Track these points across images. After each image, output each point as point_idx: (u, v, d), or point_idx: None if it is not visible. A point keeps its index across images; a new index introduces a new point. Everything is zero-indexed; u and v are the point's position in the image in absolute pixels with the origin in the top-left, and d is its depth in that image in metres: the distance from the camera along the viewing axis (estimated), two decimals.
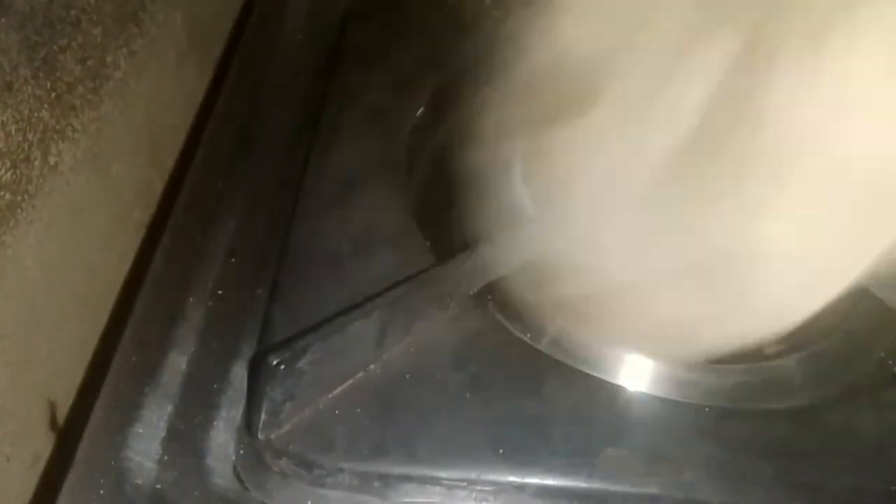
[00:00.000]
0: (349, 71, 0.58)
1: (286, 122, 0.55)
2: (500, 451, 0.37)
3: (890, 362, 0.43)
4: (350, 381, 0.39)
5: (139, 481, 0.37)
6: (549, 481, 0.37)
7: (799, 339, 0.42)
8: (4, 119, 0.42)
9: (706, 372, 0.42)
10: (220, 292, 0.44)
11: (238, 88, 0.54)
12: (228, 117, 0.52)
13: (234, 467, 0.38)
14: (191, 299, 0.43)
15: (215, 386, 0.40)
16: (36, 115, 0.44)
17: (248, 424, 0.38)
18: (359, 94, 0.55)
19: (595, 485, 0.36)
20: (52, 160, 0.46)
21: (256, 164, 0.49)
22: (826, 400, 0.41)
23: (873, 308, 0.45)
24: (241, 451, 0.38)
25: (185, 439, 0.39)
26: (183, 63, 0.62)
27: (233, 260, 0.45)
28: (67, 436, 0.48)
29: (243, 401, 0.39)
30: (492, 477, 0.37)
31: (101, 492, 0.36)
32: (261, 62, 0.54)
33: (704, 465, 0.37)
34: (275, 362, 0.38)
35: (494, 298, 0.44)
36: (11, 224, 0.43)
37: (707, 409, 0.40)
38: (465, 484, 0.37)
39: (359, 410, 0.39)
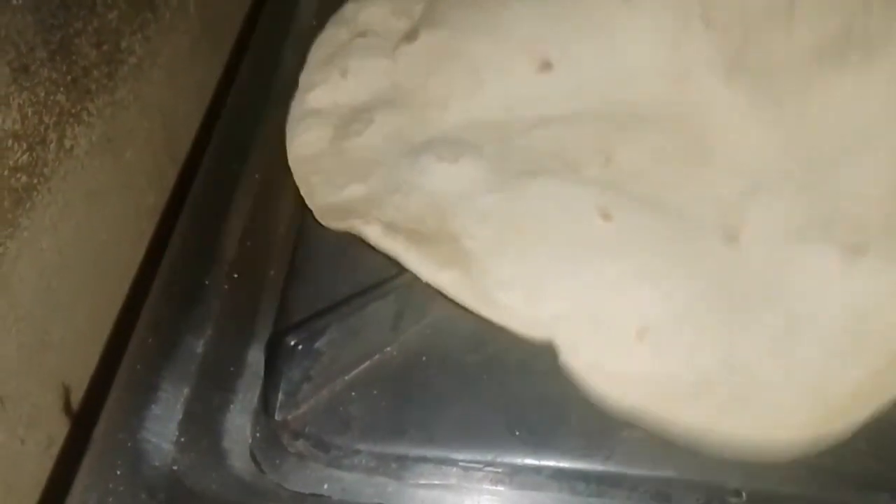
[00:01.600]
0: None
1: None
2: (517, 433, 0.37)
3: None
4: (367, 363, 0.39)
5: (156, 463, 0.37)
6: (566, 464, 0.36)
7: None
8: (21, 101, 0.42)
9: None
10: (235, 275, 0.44)
11: (252, 73, 0.54)
12: (242, 102, 0.52)
13: (251, 449, 0.38)
14: (206, 282, 0.43)
15: (231, 369, 0.40)
16: (52, 98, 0.44)
17: (265, 405, 0.38)
18: None
19: (611, 467, 0.36)
20: (67, 143, 0.46)
21: (271, 147, 0.49)
22: None
23: None
24: (258, 434, 0.38)
25: (202, 421, 0.38)
26: (196, 48, 0.63)
27: (248, 243, 0.45)
28: (82, 420, 0.48)
29: (259, 384, 0.39)
30: (508, 459, 0.37)
31: (118, 472, 0.36)
32: (274, 47, 0.54)
33: None
34: (292, 342, 0.38)
35: None
36: (28, 206, 0.43)
37: None
38: (481, 465, 0.37)
39: (375, 392, 0.39)
